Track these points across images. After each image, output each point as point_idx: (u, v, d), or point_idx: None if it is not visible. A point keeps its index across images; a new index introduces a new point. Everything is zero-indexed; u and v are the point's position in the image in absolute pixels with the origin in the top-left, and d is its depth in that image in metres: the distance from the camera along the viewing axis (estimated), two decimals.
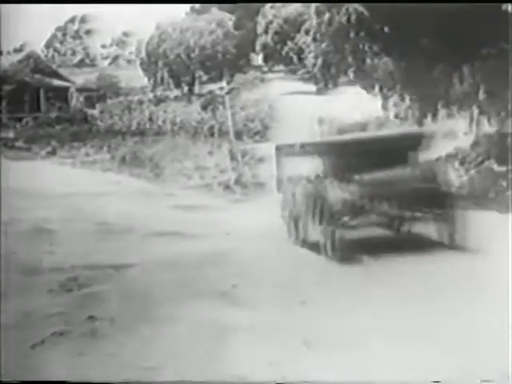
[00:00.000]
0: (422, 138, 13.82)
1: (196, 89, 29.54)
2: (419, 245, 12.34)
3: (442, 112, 23.06)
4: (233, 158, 22.80)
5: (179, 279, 12.52)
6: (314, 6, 23.98)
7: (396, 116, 24.60)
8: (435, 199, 12.24)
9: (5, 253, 13.49)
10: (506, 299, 10.71)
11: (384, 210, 11.78)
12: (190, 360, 9.42)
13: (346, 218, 11.87)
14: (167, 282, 12.38)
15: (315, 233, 12.78)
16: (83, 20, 30.06)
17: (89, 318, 10.81)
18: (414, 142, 13.52)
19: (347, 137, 13.85)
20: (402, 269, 11.58)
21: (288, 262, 13.45)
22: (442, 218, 12.20)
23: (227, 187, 20.72)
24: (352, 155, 12.37)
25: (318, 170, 13.03)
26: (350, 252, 12.10)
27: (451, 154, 21.67)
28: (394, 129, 16.35)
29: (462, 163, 20.91)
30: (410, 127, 16.84)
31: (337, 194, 11.78)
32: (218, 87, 29.20)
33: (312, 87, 29.26)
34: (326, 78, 27.87)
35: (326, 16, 22.90)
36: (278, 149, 15.04)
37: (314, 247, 12.96)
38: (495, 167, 19.43)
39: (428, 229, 12.61)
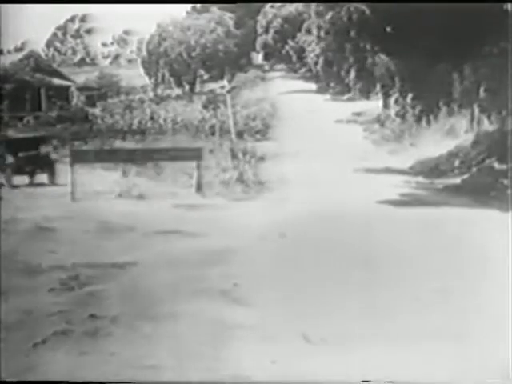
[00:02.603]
0: (43, 139, 23.63)
1: (197, 87, 29.56)
2: (42, 185, 21.09)
3: (443, 110, 23.09)
4: (234, 156, 22.80)
5: (180, 278, 12.51)
6: (314, 5, 23.99)
7: (397, 114, 24.63)
8: (45, 163, 21.76)
9: (6, 251, 13.52)
10: (506, 299, 10.72)
11: (27, 168, 21.27)
12: (192, 358, 9.43)
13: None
14: (168, 281, 12.37)
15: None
16: (84, 19, 30.06)
17: (90, 317, 10.80)
18: (39, 141, 23.07)
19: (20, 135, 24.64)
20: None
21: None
22: (48, 171, 21.49)
23: (228, 185, 20.71)
24: (16, 145, 22.18)
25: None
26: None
27: (452, 152, 21.69)
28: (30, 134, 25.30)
29: (462, 161, 20.93)
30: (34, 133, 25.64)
31: (9, 159, 21.24)
32: (219, 86, 29.21)
33: (312, 85, 29.30)
34: (328, 76, 27.91)
35: (328, 15, 22.91)
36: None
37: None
38: (496, 165, 19.44)
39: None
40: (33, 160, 21.72)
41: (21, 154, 21.58)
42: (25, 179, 21.34)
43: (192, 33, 28.48)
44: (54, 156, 22.50)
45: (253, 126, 25.91)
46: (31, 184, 21.19)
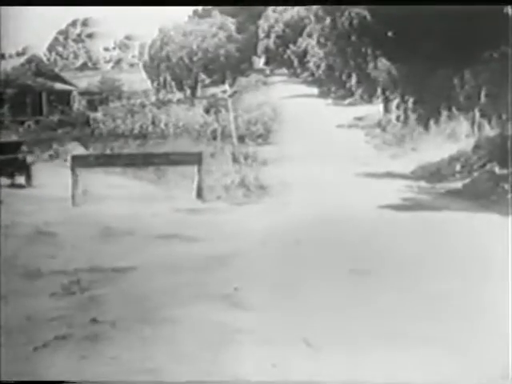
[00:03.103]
0: (20, 144, 24.64)
1: (199, 92, 29.62)
2: (21, 186, 22.37)
3: (444, 115, 23.11)
4: (235, 160, 22.84)
5: (181, 282, 12.51)
6: (315, 9, 24.00)
7: (398, 118, 24.67)
8: (20, 167, 22.46)
9: (6, 256, 13.53)
10: (506, 301, 10.72)
11: (7, 170, 22.13)
12: (192, 363, 9.43)
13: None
14: (169, 285, 12.37)
15: None
16: (85, 23, 30.11)
17: (91, 321, 10.81)
18: (18, 145, 24.10)
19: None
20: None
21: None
22: (25, 173, 22.37)
23: (230, 190, 20.74)
24: None
25: None
26: None
27: (453, 156, 21.70)
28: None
29: (463, 166, 20.94)
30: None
31: None
32: (221, 90, 29.25)
33: (314, 90, 29.33)
34: (330, 81, 27.96)
35: (328, 20, 22.92)
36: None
37: None
38: (497, 170, 19.45)
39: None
40: (12, 163, 22.72)
41: (1, 157, 22.50)
42: (5, 180, 22.24)
43: (194, 37, 28.53)
44: (29, 160, 23.73)
45: (254, 131, 25.97)
46: (12, 185, 22.35)
